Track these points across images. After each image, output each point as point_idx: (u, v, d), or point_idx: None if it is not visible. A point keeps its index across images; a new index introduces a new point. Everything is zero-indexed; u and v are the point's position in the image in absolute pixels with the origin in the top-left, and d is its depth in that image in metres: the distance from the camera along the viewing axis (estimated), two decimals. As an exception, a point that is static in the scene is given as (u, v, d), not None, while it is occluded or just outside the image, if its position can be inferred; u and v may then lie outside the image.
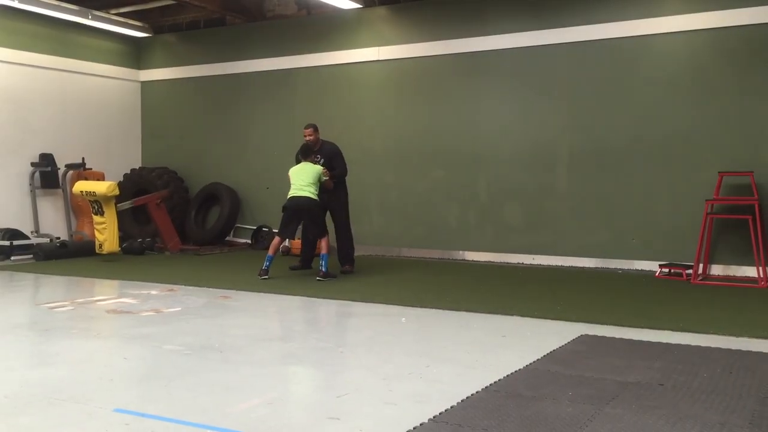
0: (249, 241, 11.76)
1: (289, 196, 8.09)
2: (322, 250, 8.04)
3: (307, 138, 8.45)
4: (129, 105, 12.79)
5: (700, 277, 8.19)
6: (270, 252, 8.12)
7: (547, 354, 4.58)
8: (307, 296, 7.00)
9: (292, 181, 8.11)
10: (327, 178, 8.19)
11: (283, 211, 8.19)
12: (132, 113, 12.86)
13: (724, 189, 8.36)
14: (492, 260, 9.91)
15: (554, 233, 9.56)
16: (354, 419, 3.37)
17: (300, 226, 8.50)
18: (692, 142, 8.73)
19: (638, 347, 4.80)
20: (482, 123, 10.04)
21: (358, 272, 8.58)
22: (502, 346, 4.95)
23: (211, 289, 7.45)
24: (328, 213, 8.61)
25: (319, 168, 8.16)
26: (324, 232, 8.14)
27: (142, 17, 12.31)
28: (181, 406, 3.55)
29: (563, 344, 4.86)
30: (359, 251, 9.28)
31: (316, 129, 8.53)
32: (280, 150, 11.53)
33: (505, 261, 9.81)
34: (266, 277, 7.93)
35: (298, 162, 8.38)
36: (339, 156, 8.57)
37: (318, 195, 8.06)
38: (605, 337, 5.14)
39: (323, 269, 7.91)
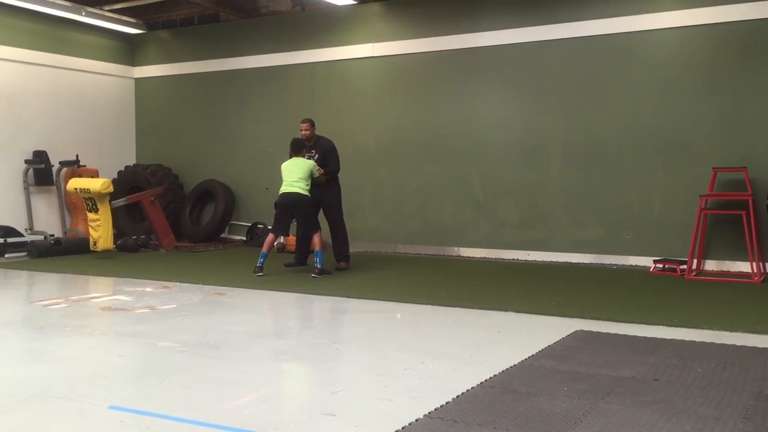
0: (244, 238, 11.74)
1: (280, 192, 8.09)
2: (316, 246, 8.03)
3: (304, 132, 8.43)
4: (123, 102, 12.74)
5: (695, 273, 8.21)
6: (264, 249, 8.12)
7: (542, 349, 4.59)
8: (302, 293, 7.00)
9: (283, 177, 8.12)
10: (319, 174, 8.18)
11: (275, 208, 8.19)
12: (126, 110, 12.81)
13: (718, 184, 8.38)
14: (487, 256, 9.92)
15: (549, 229, 9.57)
16: (349, 415, 3.37)
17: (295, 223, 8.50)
18: (686, 138, 8.74)
19: (633, 342, 4.81)
20: (476, 119, 10.04)
21: (352, 269, 8.57)
22: (496, 342, 4.96)
23: (205, 286, 7.43)
24: (321, 209, 8.61)
25: (310, 163, 8.15)
26: (315, 228, 8.12)
27: (136, 14, 12.26)
28: (176, 403, 3.55)
29: (558, 340, 4.87)
30: (353, 248, 9.27)
31: (312, 124, 8.53)
32: (275, 146, 11.50)
33: (500, 257, 9.82)
34: (261, 274, 7.92)
35: (291, 157, 8.37)
36: (333, 152, 8.55)
37: (309, 190, 8.05)
38: (600, 332, 5.15)
39: (318, 266, 7.91)
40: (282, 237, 10.40)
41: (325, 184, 8.42)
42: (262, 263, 8.00)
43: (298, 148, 8.27)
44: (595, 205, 9.27)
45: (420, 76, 10.42)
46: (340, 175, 8.69)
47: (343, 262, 8.57)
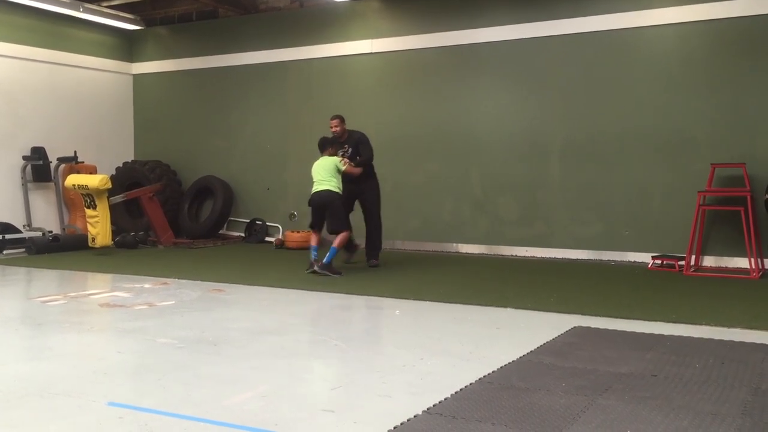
0: (242, 235, 11.75)
1: (312, 192, 7.98)
2: (335, 242, 7.83)
3: (334, 129, 8.33)
4: (121, 98, 12.73)
5: (693, 269, 8.22)
6: (312, 243, 8.01)
7: (541, 346, 4.59)
8: (301, 289, 7.00)
9: (313, 178, 8.02)
10: (345, 167, 8.01)
11: (309, 205, 8.10)
12: (124, 106, 12.80)
13: (717, 181, 8.39)
14: (486, 253, 9.92)
15: (548, 226, 9.58)
16: (348, 411, 3.37)
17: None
18: (685, 134, 8.75)
19: (631, 338, 4.82)
20: (476, 115, 10.04)
21: (351, 265, 8.56)
22: (495, 338, 4.96)
23: (204, 282, 7.43)
24: (360, 204, 8.50)
25: (334, 159, 8.01)
26: (344, 227, 7.93)
27: (134, 10, 12.23)
28: (174, 400, 3.55)
29: (556, 336, 4.87)
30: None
31: (342, 120, 8.39)
32: (274, 143, 11.53)
33: (499, 253, 9.82)
34: (312, 270, 7.75)
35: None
36: (365, 143, 8.39)
37: (340, 187, 7.90)
38: (598, 328, 5.16)
39: (325, 261, 7.69)
40: (280, 234, 10.37)
41: (363, 179, 8.28)
42: (316, 257, 7.87)
43: (323, 147, 8.17)
44: (594, 202, 9.28)
45: (419, 72, 10.41)
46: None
47: (375, 260, 8.52)
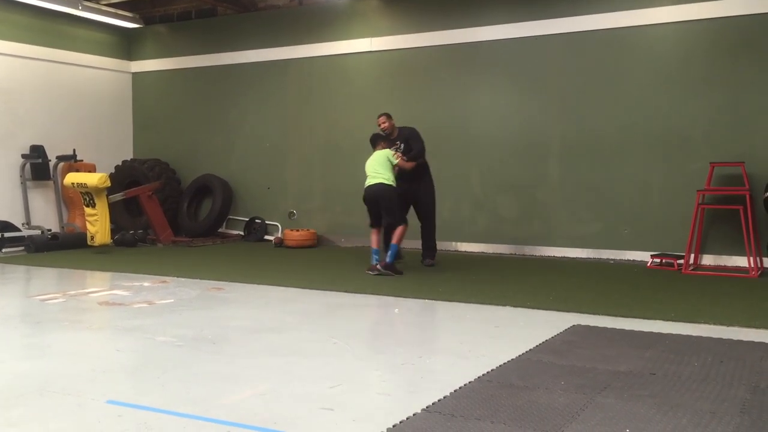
0: (242, 233, 11.74)
1: (364, 187, 7.90)
2: (394, 239, 7.69)
3: (382, 126, 8.27)
4: (120, 96, 12.71)
5: (692, 267, 8.23)
6: (373, 245, 7.89)
7: (540, 344, 4.60)
8: (300, 288, 7.00)
9: (366, 172, 7.94)
10: (398, 160, 7.91)
11: (364, 202, 8.00)
12: (123, 104, 12.79)
13: (716, 179, 8.39)
14: (485, 251, 9.92)
15: (547, 224, 9.58)
16: (347, 409, 3.37)
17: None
18: (684, 133, 8.75)
19: (630, 337, 4.83)
20: (475, 114, 10.03)
21: (351, 264, 8.56)
22: (494, 337, 4.96)
23: (203, 280, 7.43)
24: (413, 206, 8.42)
25: (386, 151, 7.90)
26: (400, 221, 7.79)
27: (133, 8, 12.22)
28: (173, 397, 3.55)
29: (555, 334, 4.88)
30: (353, 242, 9.26)
31: (389, 116, 8.33)
32: (273, 141, 11.51)
33: (498, 252, 9.82)
34: (377, 273, 7.62)
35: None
36: (415, 137, 8.30)
37: (393, 180, 7.75)
38: (597, 327, 5.16)
39: (388, 260, 7.59)
40: (279, 232, 10.33)
41: (419, 179, 8.23)
42: (377, 260, 7.73)
43: (374, 142, 8.09)
44: (593, 200, 9.28)
45: (418, 71, 10.41)
46: (433, 170, 8.44)
47: (431, 259, 8.48)
